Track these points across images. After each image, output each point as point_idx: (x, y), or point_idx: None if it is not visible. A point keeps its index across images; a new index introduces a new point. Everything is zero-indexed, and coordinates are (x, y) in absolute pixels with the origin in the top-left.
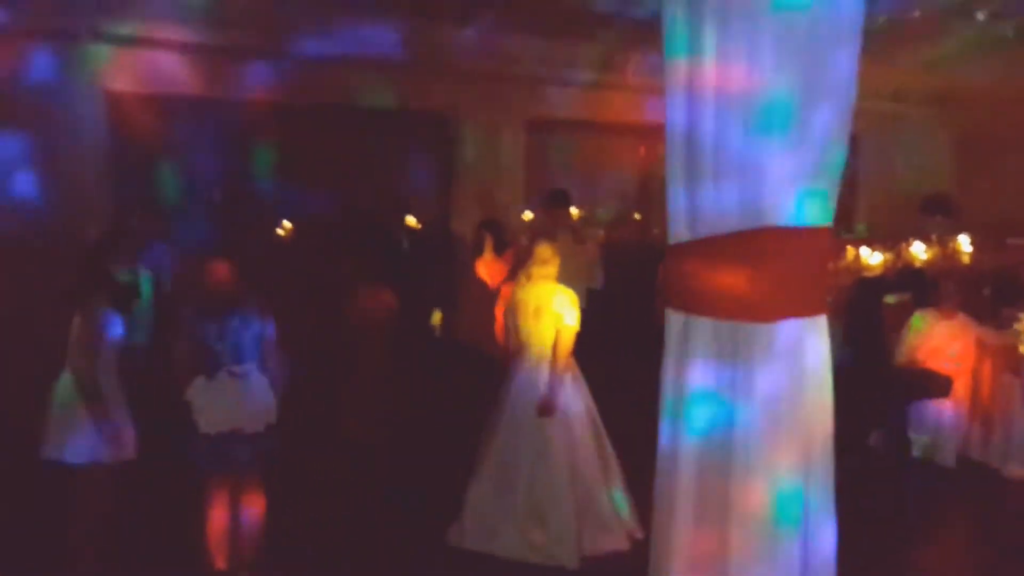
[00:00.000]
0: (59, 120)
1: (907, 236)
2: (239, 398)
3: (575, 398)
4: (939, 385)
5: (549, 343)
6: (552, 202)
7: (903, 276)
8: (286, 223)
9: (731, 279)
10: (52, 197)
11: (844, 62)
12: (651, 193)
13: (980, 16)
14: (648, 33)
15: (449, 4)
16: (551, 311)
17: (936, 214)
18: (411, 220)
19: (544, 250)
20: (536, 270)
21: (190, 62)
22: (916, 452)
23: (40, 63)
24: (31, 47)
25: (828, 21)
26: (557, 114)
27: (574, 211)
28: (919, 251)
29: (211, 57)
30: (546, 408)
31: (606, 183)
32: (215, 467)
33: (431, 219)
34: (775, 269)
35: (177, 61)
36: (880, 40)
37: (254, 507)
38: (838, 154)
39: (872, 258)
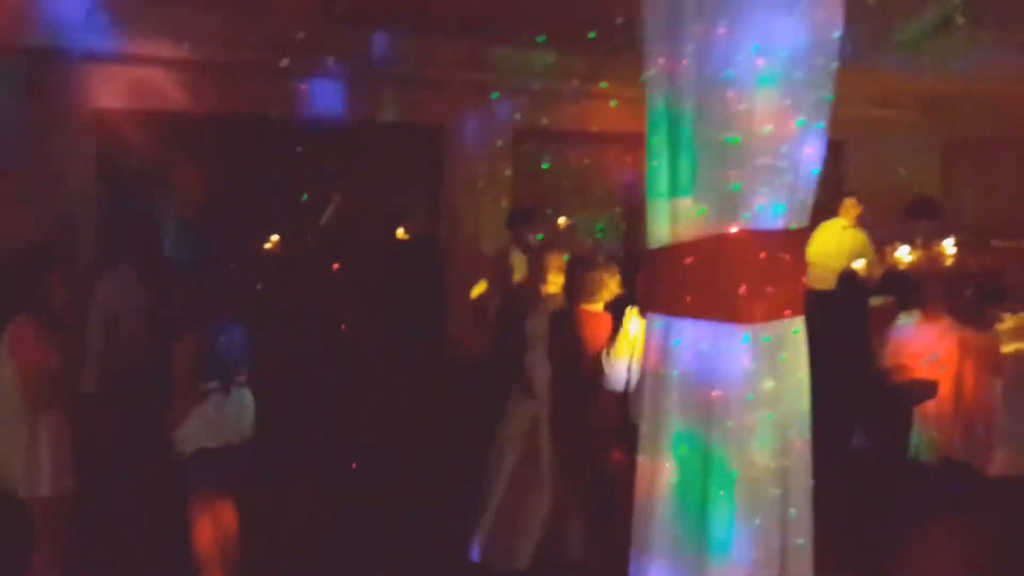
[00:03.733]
0: (46, 139)
1: (893, 240)
2: (240, 410)
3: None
4: (925, 389)
5: None
6: (512, 220)
7: (887, 279)
8: (274, 236)
9: (710, 282)
10: (39, 217)
11: (822, 65)
12: (637, 203)
13: (960, 21)
14: (633, 42)
15: (439, 17)
16: None
17: (921, 218)
18: (400, 232)
19: (557, 259)
20: (554, 277)
21: (181, 78)
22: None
23: (29, 81)
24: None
25: (807, 30)
26: (543, 125)
27: (562, 221)
28: (904, 254)
29: (203, 73)
30: None
31: (595, 193)
32: (211, 481)
33: (421, 231)
34: (754, 272)
35: (167, 77)
36: (865, 46)
37: (231, 519)
38: (815, 158)
39: (857, 262)
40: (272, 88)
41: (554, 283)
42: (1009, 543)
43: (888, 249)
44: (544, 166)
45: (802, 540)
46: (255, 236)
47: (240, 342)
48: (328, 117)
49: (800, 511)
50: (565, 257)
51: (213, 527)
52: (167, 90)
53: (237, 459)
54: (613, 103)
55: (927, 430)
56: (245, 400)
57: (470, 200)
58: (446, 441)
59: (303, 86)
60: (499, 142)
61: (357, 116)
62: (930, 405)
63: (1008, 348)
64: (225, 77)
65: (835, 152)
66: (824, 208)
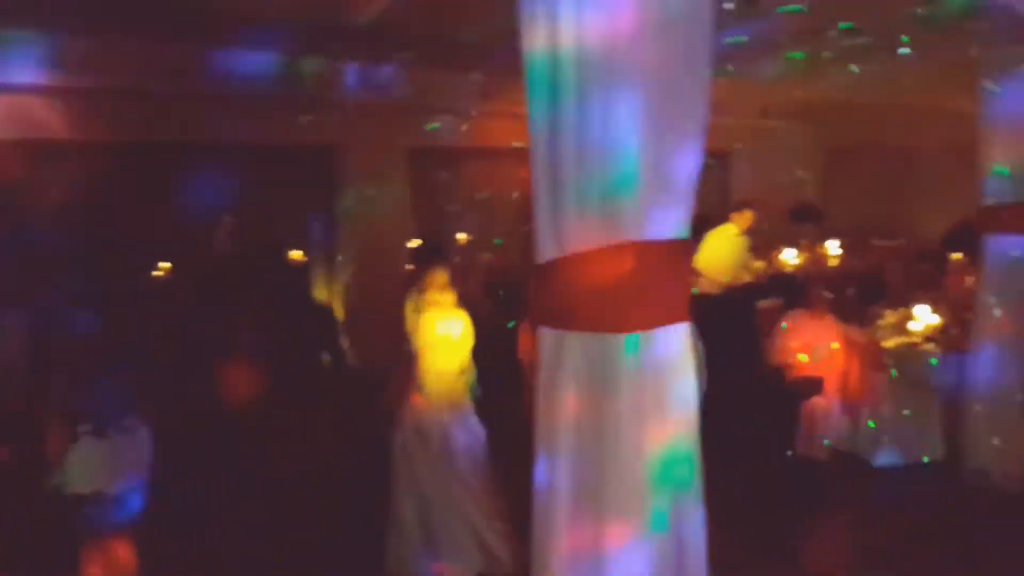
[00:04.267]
0: None
1: (779, 244)
2: (124, 453)
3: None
4: (812, 386)
5: (451, 367)
6: (422, 258)
7: (774, 281)
8: (162, 264)
9: (598, 293)
10: None
11: (695, 84)
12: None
13: (831, 33)
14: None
15: (327, 37)
16: (455, 336)
17: (806, 222)
18: (297, 255)
19: (441, 275)
20: (435, 296)
21: (61, 106)
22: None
23: None
24: None
25: (680, 47)
26: (439, 142)
27: (461, 237)
28: (790, 257)
29: (86, 100)
30: None
31: (492, 208)
32: (89, 527)
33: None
34: (639, 282)
35: (47, 106)
36: (744, 58)
37: (126, 562)
38: (691, 170)
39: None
40: (159, 113)
41: (436, 301)
42: (896, 530)
43: (774, 253)
44: (440, 182)
45: (695, 536)
46: (145, 264)
47: (121, 384)
48: (218, 141)
49: (692, 508)
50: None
51: (102, 571)
52: (48, 119)
53: (114, 505)
54: (506, 120)
55: (816, 426)
56: (128, 445)
57: (366, 220)
58: (345, 465)
59: (190, 110)
60: (393, 161)
61: (248, 139)
62: (818, 400)
63: (889, 343)
64: (111, 104)
65: (721, 161)
66: (715, 216)
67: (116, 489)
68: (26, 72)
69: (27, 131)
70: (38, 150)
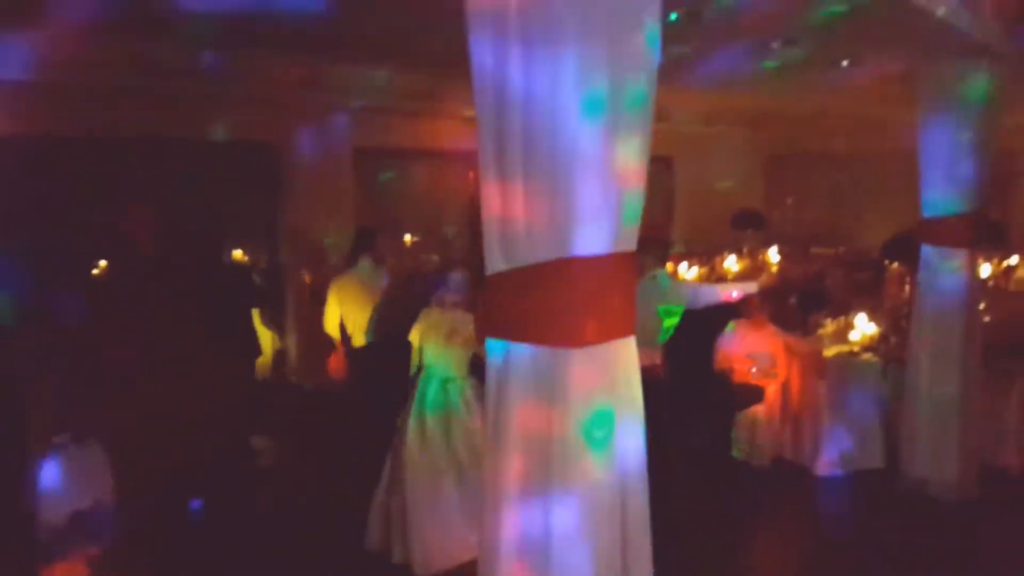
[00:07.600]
0: None
1: (721, 250)
2: (96, 466)
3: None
4: (753, 395)
5: (457, 365)
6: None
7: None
8: (101, 262)
9: (545, 306)
10: None
11: (641, 92)
12: (478, 219)
13: (774, 45)
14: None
15: (272, 36)
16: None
17: (747, 228)
18: (238, 254)
19: (461, 278)
20: (451, 297)
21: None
22: (735, 454)
23: None
24: None
25: (626, 56)
26: (384, 143)
27: (407, 238)
28: (731, 264)
29: (25, 94)
30: None
31: (437, 211)
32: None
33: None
34: (585, 295)
35: None
36: (686, 65)
37: None
38: (639, 182)
39: (688, 272)
40: (97, 108)
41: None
42: (833, 538)
43: (717, 259)
44: (384, 178)
45: (641, 539)
46: (82, 262)
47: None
48: (159, 136)
49: (638, 513)
50: None
51: None
52: None
53: (89, 522)
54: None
55: (759, 434)
56: (98, 457)
57: (310, 219)
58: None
59: (130, 105)
60: (338, 160)
61: (189, 135)
62: (760, 408)
63: (829, 352)
64: (48, 98)
65: (665, 167)
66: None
67: (90, 505)
68: None
69: None
70: None
